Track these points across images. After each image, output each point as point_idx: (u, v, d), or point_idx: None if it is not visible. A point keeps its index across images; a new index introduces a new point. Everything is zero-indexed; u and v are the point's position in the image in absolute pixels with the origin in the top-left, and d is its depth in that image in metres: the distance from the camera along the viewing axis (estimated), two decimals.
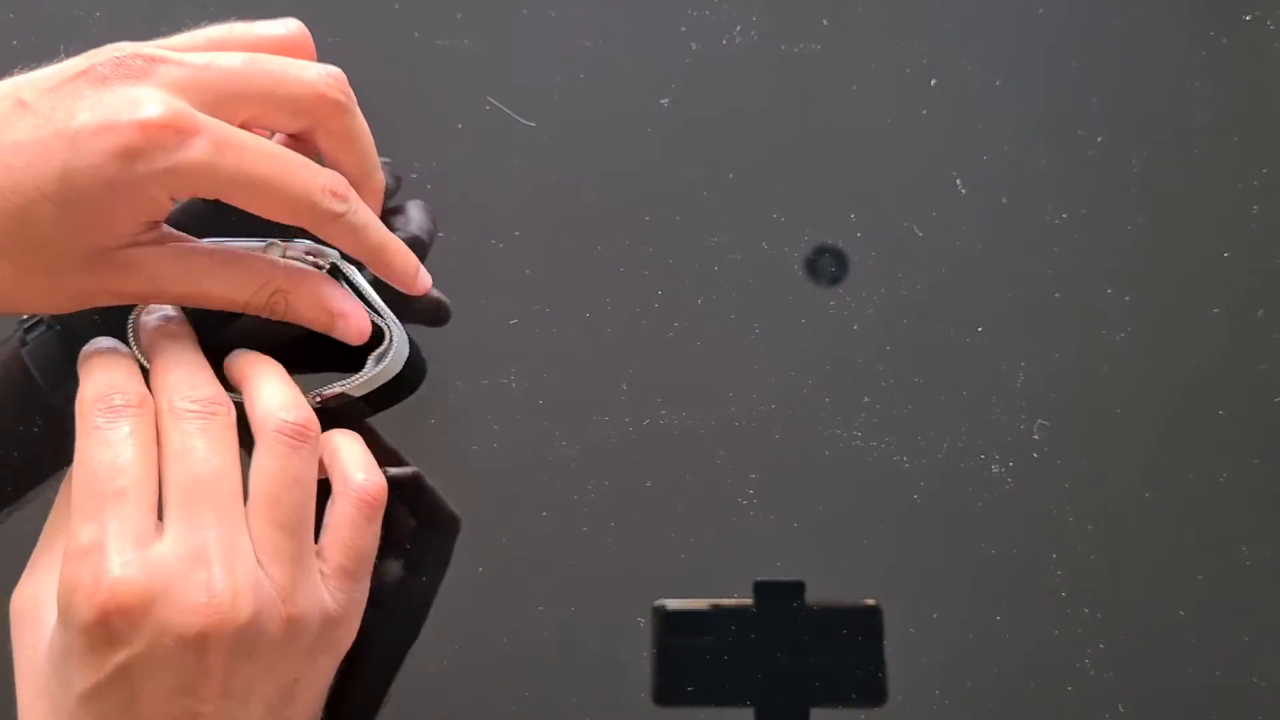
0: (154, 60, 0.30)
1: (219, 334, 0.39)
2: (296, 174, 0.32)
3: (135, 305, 0.37)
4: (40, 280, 0.31)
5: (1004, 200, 0.40)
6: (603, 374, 0.38)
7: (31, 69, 0.32)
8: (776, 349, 0.39)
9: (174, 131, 0.29)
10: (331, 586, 0.32)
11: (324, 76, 0.33)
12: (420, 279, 0.36)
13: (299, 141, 0.34)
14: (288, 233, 0.36)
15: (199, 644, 0.28)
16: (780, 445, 0.38)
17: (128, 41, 0.31)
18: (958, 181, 0.40)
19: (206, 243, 0.36)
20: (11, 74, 0.32)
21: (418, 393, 0.38)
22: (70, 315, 0.39)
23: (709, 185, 0.40)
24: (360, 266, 0.37)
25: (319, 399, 0.36)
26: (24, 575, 0.32)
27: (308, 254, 0.36)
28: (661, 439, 0.38)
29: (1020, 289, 0.39)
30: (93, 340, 0.33)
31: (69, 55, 0.32)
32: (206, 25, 0.35)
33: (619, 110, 0.41)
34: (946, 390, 0.38)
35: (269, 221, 0.33)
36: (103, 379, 0.31)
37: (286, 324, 0.39)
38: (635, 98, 0.41)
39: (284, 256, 0.36)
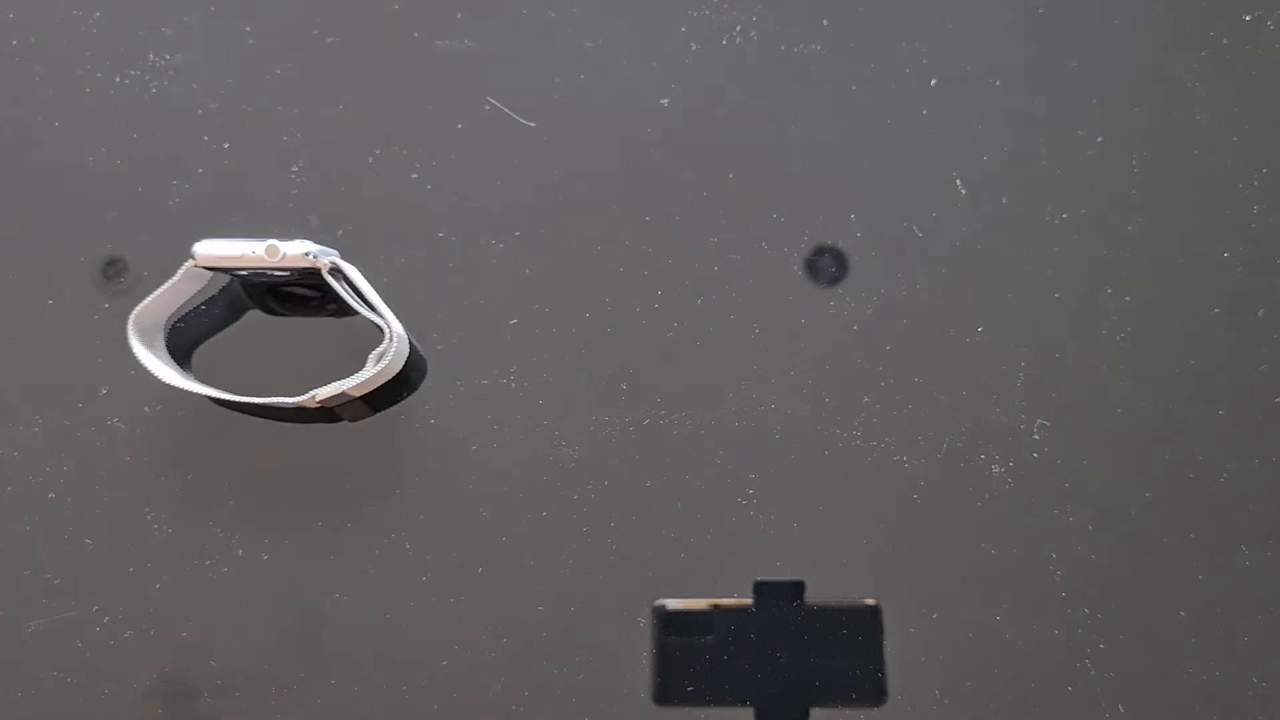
0: None
1: (221, 334, 0.39)
2: None
3: (137, 305, 0.37)
4: None
5: (1004, 200, 0.40)
6: (603, 374, 0.38)
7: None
8: (776, 349, 0.39)
9: None
10: None
11: None
12: None
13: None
14: (287, 233, 0.36)
15: None
16: (780, 445, 0.38)
17: None
18: (958, 181, 0.40)
19: (205, 244, 0.36)
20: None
21: (418, 393, 0.38)
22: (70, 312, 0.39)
23: (709, 185, 0.40)
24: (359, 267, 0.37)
25: (318, 399, 0.36)
26: None
27: (307, 254, 0.36)
28: (661, 439, 0.38)
29: (1020, 289, 0.39)
30: None
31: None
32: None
33: (619, 110, 0.41)
34: (946, 390, 0.38)
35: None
36: None
37: (286, 322, 0.39)
38: (635, 98, 0.41)
39: (283, 256, 0.36)
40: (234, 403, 0.37)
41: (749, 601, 0.37)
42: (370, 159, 0.40)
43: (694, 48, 0.41)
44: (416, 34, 0.41)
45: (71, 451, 0.38)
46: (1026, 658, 0.36)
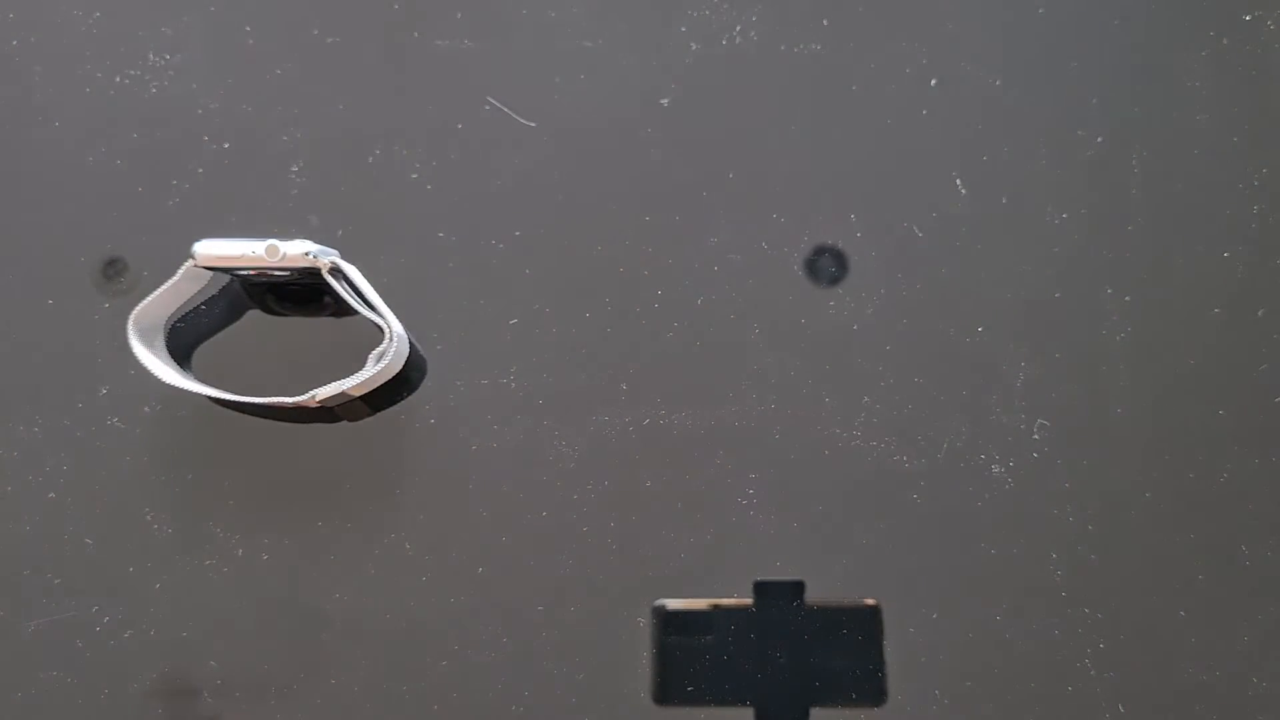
0: None
1: (221, 334, 0.39)
2: None
3: (137, 305, 0.37)
4: None
5: (1004, 200, 0.40)
6: (603, 374, 0.38)
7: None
8: (776, 349, 0.39)
9: None
10: None
11: None
12: None
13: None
14: (287, 233, 0.36)
15: None
16: (780, 445, 0.38)
17: None
18: (958, 181, 0.40)
19: (205, 244, 0.36)
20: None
21: (418, 393, 0.38)
22: (70, 312, 0.39)
23: (709, 185, 0.40)
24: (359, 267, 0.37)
25: (318, 399, 0.36)
26: None
27: (307, 254, 0.36)
28: (661, 439, 0.38)
29: (1020, 289, 0.39)
30: None
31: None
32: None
33: (619, 110, 0.41)
34: (946, 390, 0.38)
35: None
36: None
37: (286, 322, 0.39)
38: (635, 98, 0.41)
39: (283, 256, 0.36)
40: (234, 403, 0.37)
41: (749, 601, 0.37)
42: (370, 159, 0.40)
43: (694, 48, 0.41)
44: (416, 34, 0.41)
45: (71, 451, 0.38)
46: (1026, 658, 0.36)
